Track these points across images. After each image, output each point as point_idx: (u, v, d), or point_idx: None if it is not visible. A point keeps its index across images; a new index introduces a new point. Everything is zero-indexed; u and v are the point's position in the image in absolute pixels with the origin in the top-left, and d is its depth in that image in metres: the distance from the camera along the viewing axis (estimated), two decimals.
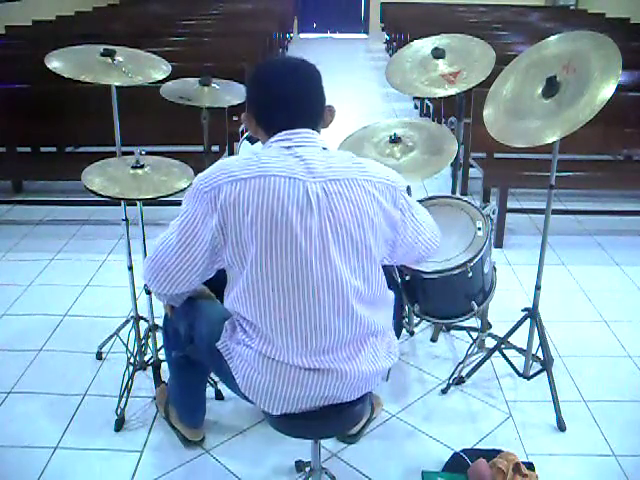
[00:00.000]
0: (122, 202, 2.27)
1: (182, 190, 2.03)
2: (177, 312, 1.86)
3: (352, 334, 1.56)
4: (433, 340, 2.78)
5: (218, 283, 1.67)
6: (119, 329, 2.58)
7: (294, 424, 1.64)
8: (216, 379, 2.43)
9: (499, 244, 3.68)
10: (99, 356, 2.63)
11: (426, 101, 6.14)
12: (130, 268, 2.37)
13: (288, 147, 1.51)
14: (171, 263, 1.53)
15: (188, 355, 1.89)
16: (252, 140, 2.66)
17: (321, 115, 1.60)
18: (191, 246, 1.50)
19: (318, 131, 1.60)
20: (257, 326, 1.54)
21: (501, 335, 2.47)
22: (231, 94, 2.80)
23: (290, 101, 1.54)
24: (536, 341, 2.37)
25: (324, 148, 1.56)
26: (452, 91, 2.45)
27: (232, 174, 1.46)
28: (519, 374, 2.45)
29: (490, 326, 2.62)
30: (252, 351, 1.56)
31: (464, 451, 2.09)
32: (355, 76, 8.89)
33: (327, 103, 1.62)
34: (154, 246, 1.58)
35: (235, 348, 1.60)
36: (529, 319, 2.37)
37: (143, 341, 2.44)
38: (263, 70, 1.60)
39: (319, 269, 1.47)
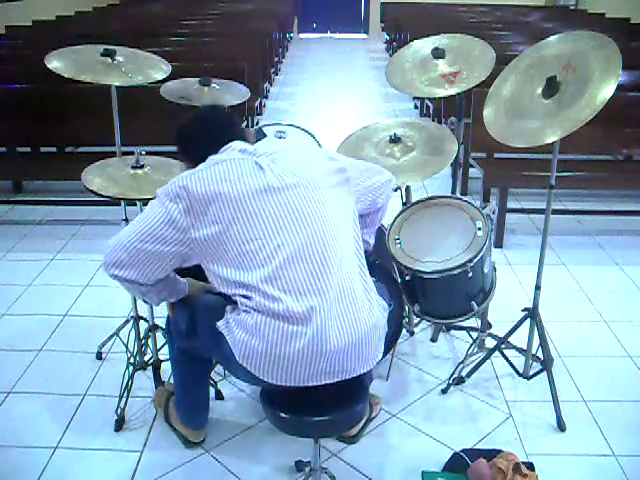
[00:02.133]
0: (122, 202, 2.27)
1: None
2: (177, 309, 1.89)
3: (346, 267, 1.64)
4: (433, 340, 2.78)
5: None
6: (119, 329, 2.58)
7: (295, 423, 1.64)
8: (216, 379, 2.43)
9: (499, 244, 3.68)
10: (99, 356, 2.63)
11: (426, 101, 6.15)
12: None
13: (227, 151, 1.74)
14: (134, 244, 1.62)
15: (191, 349, 1.91)
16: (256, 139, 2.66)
17: (246, 137, 1.83)
18: (152, 228, 1.62)
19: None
20: (249, 284, 1.58)
21: (501, 335, 2.47)
22: (231, 94, 2.80)
23: (218, 131, 1.80)
24: (536, 341, 2.37)
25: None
26: (452, 91, 2.45)
27: (187, 174, 1.65)
28: (519, 374, 2.45)
29: (490, 326, 2.62)
30: (251, 315, 1.58)
31: (464, 451, 2.09)
32: (355, 76, 8.89)
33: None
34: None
35: (235, 319, 1.63)
36: (529, 319, 2.37)
37: (143, 341, 2.44)
38: (187, 125, 1.88)
39: (299, 202, 1.64)
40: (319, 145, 2.66)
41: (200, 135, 1.83)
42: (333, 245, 1.63)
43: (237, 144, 1.74)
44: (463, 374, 2.47)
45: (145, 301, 1.89)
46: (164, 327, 2.10)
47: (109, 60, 2.29)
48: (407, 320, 2.73)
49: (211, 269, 1.64)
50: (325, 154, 1.82)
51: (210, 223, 1.60)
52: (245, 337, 1.60)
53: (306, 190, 1.66)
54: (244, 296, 1.60)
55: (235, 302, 1.65)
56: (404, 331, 2.75)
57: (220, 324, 1.68)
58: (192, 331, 1.83)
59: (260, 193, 1.62)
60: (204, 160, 1.72)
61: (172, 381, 2.23)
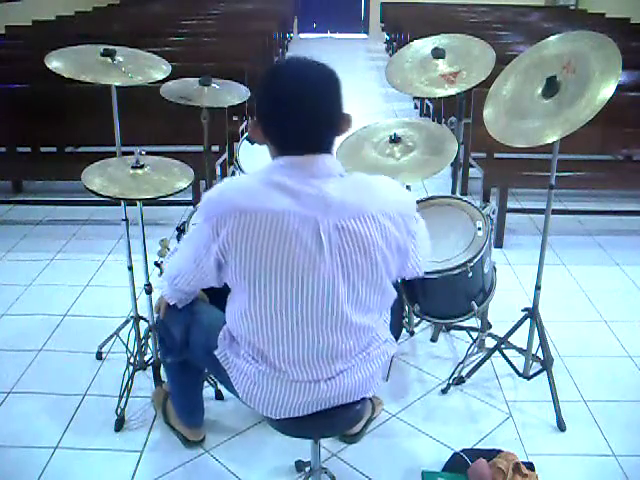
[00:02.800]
0: (122, 202, 2.27)
1: (182, 190, 2.03)
2: (172, 315, 1.84)
3: (355, 349, 1.57)
4: (433, 340, 2.77)
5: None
6: (119, 329, 2.58)
7: (294, 425, 1.64)
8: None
9: (499, 244, 3.68)
10: (99, 356, 2.63)
11: (426, 101, 6.15)
12: (130, 268, 2.37)
13: (303, 176, 1.41)
14: (185, 271, 1.60)
15: (184, 358, 1.88)
16: (252, 140, 2.65)
17: (338, 127, 1.47)
18: (199, 260, 1.52)
19: (333, 143, 1.49)
20: (260, 349, 1.54)
21: (501, 335, 2.47)
22: (231, 94, 2.80)
23: (301, 115, 1.40)
24: (536, 341, 2.36)
25: (340, 175, 1.46)
26: (452, 91, 2.46)
27: (239, 205, 1.39)
28: (519, 374, 2.45)
29: (490, 326, 2.62)
30: (253, 367, 1.56)
31: (464, 451, 2.09)
32: (355, 76, 8.88)
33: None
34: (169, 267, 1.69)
35: (235, 361, 1.60)
36: (529, 319, 2.37)
37: (143, 341, 2.44)
38: (272, 76, 1.44)
39: (324, 304, 1.46)
40: None
41: (274, 112, 1.42)
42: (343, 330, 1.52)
43: (314, 181, 1.41)
44: (463, 374, 2.47)
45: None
46: (157, 340, 2.08)
47: (109, 60, 2.29)
48: (407, 320, 2.73)
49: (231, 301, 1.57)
50: (403, 222, 1.50)
51: (240, 276, 1.45)
52: (248, 385, 1.58)
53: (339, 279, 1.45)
54: (252, 357, 1.57)
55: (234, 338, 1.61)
56: (404, 331, 2.75)
57: (219, 356, 1.63)
58: (186, 344, 1.80)
59: (303, 279, 1.43)
60: (278, 147, 1.44)
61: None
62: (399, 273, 1.61)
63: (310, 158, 1.42)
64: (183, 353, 1.84)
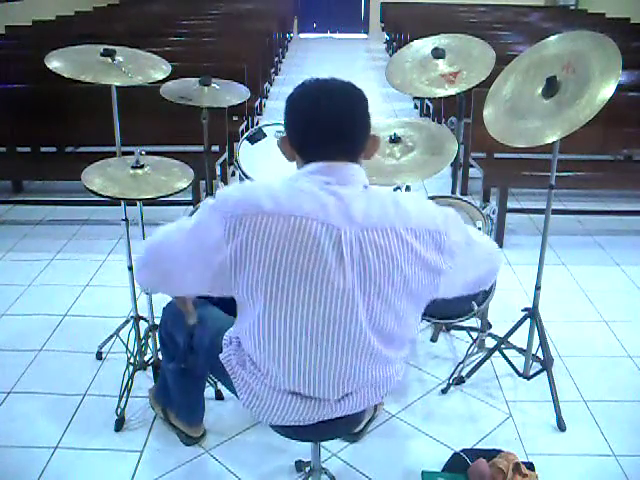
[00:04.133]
0: (122, 202, 2.27)
1: (182, 190, 2.03)
2: (176, 321, 1.81)
3: (369, 377, 1.49)
4: (433, 340, 2.78)
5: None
6: (119, 329, 2.58)
7: (296, 430, 1.63)
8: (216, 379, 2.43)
9: (499, 244, 3.68)
10: (99, 356, 2.63)
11: (426, 101, 6.15)
12: (130, 268, 2.37)
13: (327, 182, 1.35)
14: (171, 262, 1.40)
15: (187, 365, 1.86)
16: (252, 140, 2.66)
17: (363, 145, 1.42)
18: (195, 256, 1.36)
19: (359, 162, 1.43)
20: (267, 366, 1.46)
21: (501, 335, 2.47)
22: (231, 94, 2.80)
23: (326, 128, 1.38)
24: (536, 341, 2.37)
25: (365, 186, 1.40)
26: (452, 91, 2.46)
27: (259, 205, 1.30)
28: (519, 374, 2.45)
29: (490, 326, 2.62)
30: (258, 381, 1.50)
31: (464, 451, 2.09)
32: (355, 76, 8.88)
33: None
34: (154, 237, 1.46)
35: (240, 372, 1.53)
36: (529, 319, 2.37)
37: (143, 341, 2.44)
38: (300, 91, 1.43)
39: (341, 324, 1.36)
40: None
41: (299, 125, 1.42)
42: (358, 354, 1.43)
43: (336, 187, 1.35)
44: (463, 374, 2.47)
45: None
46: (159, 344, 2.06)
47: (109, 60, 2.29)
48: None
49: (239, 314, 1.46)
50: (434, 243, 1.39)
51: (248, 285, 1.34)
52: (252, 398, 1.53)
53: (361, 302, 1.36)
54: (259, 369, 1.49)
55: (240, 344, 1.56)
56: None
57: (224, 361, 1.57)
58: (190, 349, 1.78)
59: (321, 291, 1.33)
60: (304, 157, 1.41)
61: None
62: (430, 294, 1.45)
63: (335, 164, 1.38)
64: (187, 359, 1.81)
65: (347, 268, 1.32)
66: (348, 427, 1.72)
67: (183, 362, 1.86)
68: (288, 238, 1.29)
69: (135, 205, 2.20)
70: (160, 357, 2.38)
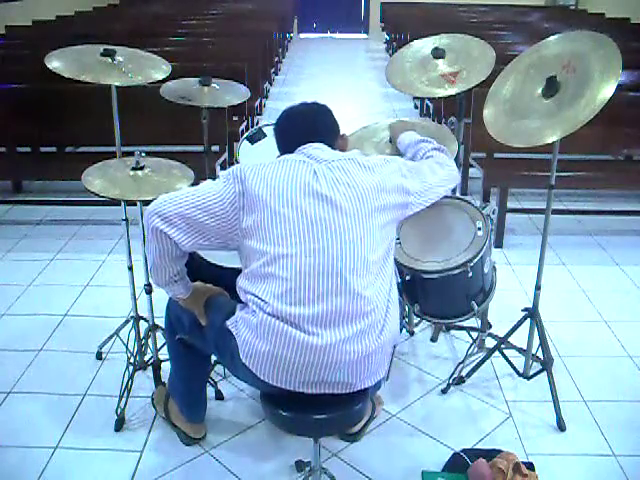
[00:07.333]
0: (122, 202, 2.27)
1: None
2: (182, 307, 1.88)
3: (359, 303, 1.62)
4: (433, 340, 2.78)
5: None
6: (119, 329, 2.58)
7: (295, 421, 1.64)
8: (216, 379, 2.43)
9: (499, 244, 3.68)
10: (99, 356, 2.63)
11: (426, 101, 6.14)
12: (130, 268, 2.37)
13: (302, 153, 1.77)
14: (186, 203, 1.65)
15: (193, 341, 1.92)
16: (252, 140, 2.65)
17: (332, 142, 1.86)
18: (207, 199, 1.66)
19: (331, 146, 1.85)
20: (267, 287, 1.61)
21: (501, 335, 2.47)
22: (231, 94, 2.80)
23: (301, 132, 1.84)
24: (536, 341, 2.37)
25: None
26: (452, 91, 2.45)
27: (253, 165, 1.72)
28: (519, 374, 2.45)
29: (490, 326, 2.62)
30: (260, 317, 1.60)
31: (464, 451, 2.09)
32: (355, 76, 8.88)
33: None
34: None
35: (244, 317, 1.67)
36: (529, 319, 2.37)
37: (143, 341, 2.44)
38: (285, 112, 1.90)
39: (332, 225, 1.64)
40: None
41: (283, 130, 1.90)
42: (353, 269, 1.64)
43: (310, 149, 1.77)
44: (463, 374, 2.47)
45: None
46: (164, 324, 2.08)
47: (109, 60, 2.29)
48: (407, 320, 2.73)
49: (243, 256, 1.72)
50: (396, 169, 1.83)
51: (255, 212, 1.65)
52: (252, 339, 1.63)
53: (346, 215, 1.66)
54: (261, 299, 1.62)
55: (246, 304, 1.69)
56: (404, 331, 2.75)
57: (229, 323, 1.71)
58: (197, 326, 1.84)
59: (305, 196, 1.66)
60: (284, 152, 1.82)
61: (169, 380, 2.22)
62: (404, 207, 1.83)
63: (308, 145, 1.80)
64: (193, 333, 1.88)
65: (321, 180, 1.68)
66: (347, 420, 1.72)
67: (185, 336, 1.93)
68: (277, 168, 1.70)
69: (135, 205, 2.20)
70: (160, 357, 2.39)
